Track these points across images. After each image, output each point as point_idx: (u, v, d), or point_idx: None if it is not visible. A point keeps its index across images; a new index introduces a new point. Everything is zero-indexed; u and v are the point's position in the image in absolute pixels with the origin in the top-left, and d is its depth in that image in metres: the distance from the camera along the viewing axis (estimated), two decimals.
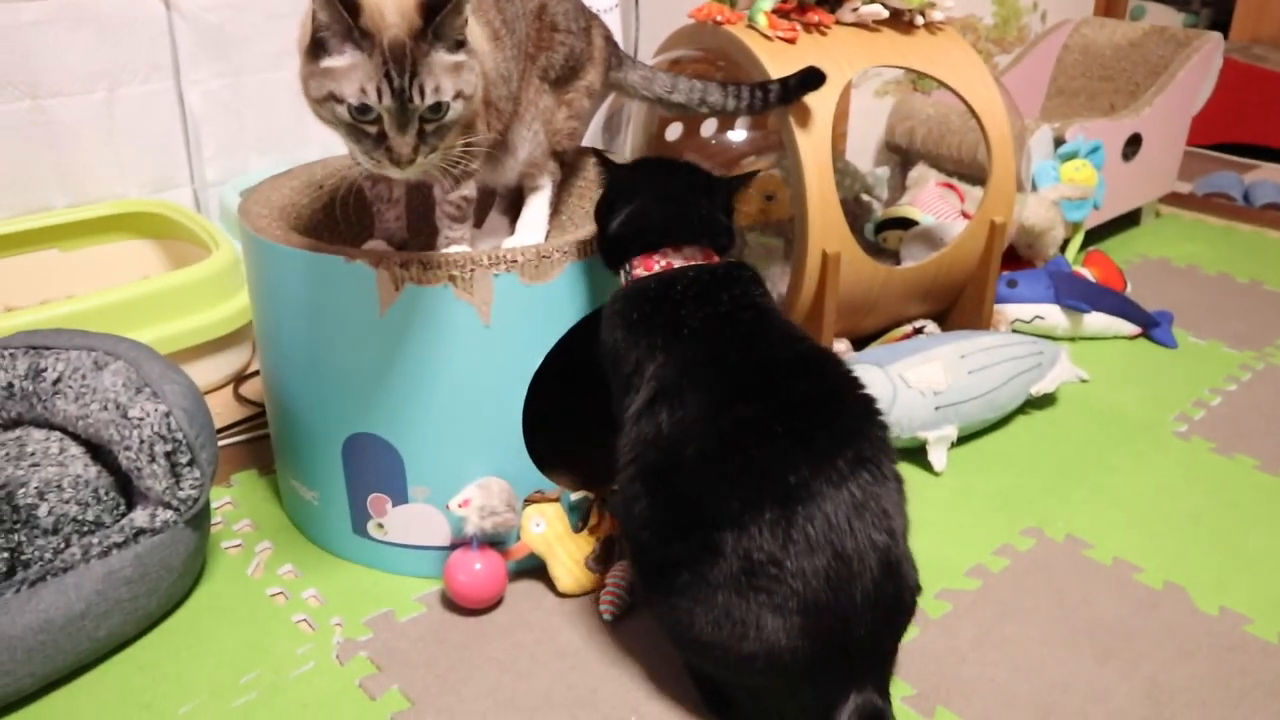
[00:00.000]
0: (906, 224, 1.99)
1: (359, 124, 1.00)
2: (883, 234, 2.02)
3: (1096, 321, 1.91)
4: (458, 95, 1.02)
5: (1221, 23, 3.66)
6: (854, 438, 0.99)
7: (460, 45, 1.02)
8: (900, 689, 1.11)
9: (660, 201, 1.17)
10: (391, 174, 1.05)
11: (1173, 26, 2.59)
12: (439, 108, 1.01)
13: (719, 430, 1.00)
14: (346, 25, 0.96)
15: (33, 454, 1.21)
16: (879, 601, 0.95)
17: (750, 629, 0.95)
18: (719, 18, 1.60)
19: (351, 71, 0.98)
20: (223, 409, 1.62)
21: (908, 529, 1.01)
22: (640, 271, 1.14)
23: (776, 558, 0.93)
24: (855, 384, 1.06)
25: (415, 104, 0.99)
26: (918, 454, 1.51)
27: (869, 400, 1.05)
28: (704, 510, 0.98)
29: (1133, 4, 3.28)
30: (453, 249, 1.21)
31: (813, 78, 1.48)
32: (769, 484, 0.95)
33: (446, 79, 1.00)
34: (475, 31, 1.10)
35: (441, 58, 1.00)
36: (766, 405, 1.01)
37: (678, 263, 1.14)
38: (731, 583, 0.95)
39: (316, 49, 1.00)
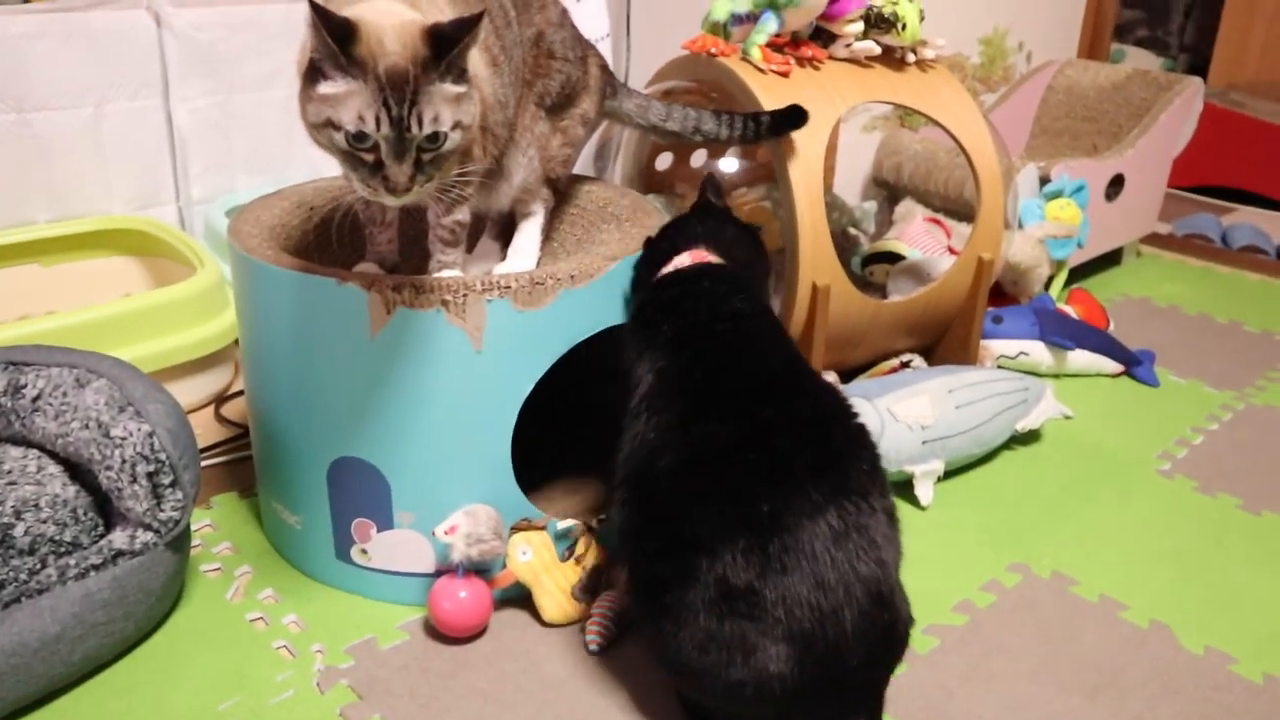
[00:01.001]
0: (893, 258, 2.00)
1: (355, 151, 0.99)
2: (869, 268, 2.03)
3: (1080, 359, 1.92)
4: (456, 125, 1.01)
5: (1199, 67, 3.73)
6: (835, 466, 0.97)
7: (463, 75, 1.01)
8: None
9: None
10: (386, 201, 1.04)
11: (1154, 70, 2.62)
12: (437, 137, 1.00)
13: (691, 444, 0.99)
14: (334, 54, 0.95)
15: (9, 472, 1.19)
16: (870, 632, 0.93)
17: (736, 655, 0.93)
18: (713, 50, 1.61)
19: (349, 99, 0.97)
20: (204, 430, 1.60)
21: (900, 560, 1.00)
22: (667, 270, 1.15)
23: (754, 586, 0.92)
24: (844, 410, 1.05)
25: (413, 133, 0.98)
26: (904, 488, 1.51)
27: (859, 428, 1.03)
28: (679, 530, 0.96)
29: (1112, 48, 3.33)
30: (445, 273, 1.20)
31: (795, 116, 1.48)
32: (739, 511, 0.94)
33: (446, 109, 0.99)
34: (475, 58, 1.10)
35: (445, 89, 0.99)
36: (740, 426, 0.99)
37: (687, 262, 1.14)
38: (712, 608, 0.94)
39: (314, 74, 0.99)
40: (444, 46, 0.97)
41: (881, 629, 0.95)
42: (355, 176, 1.02)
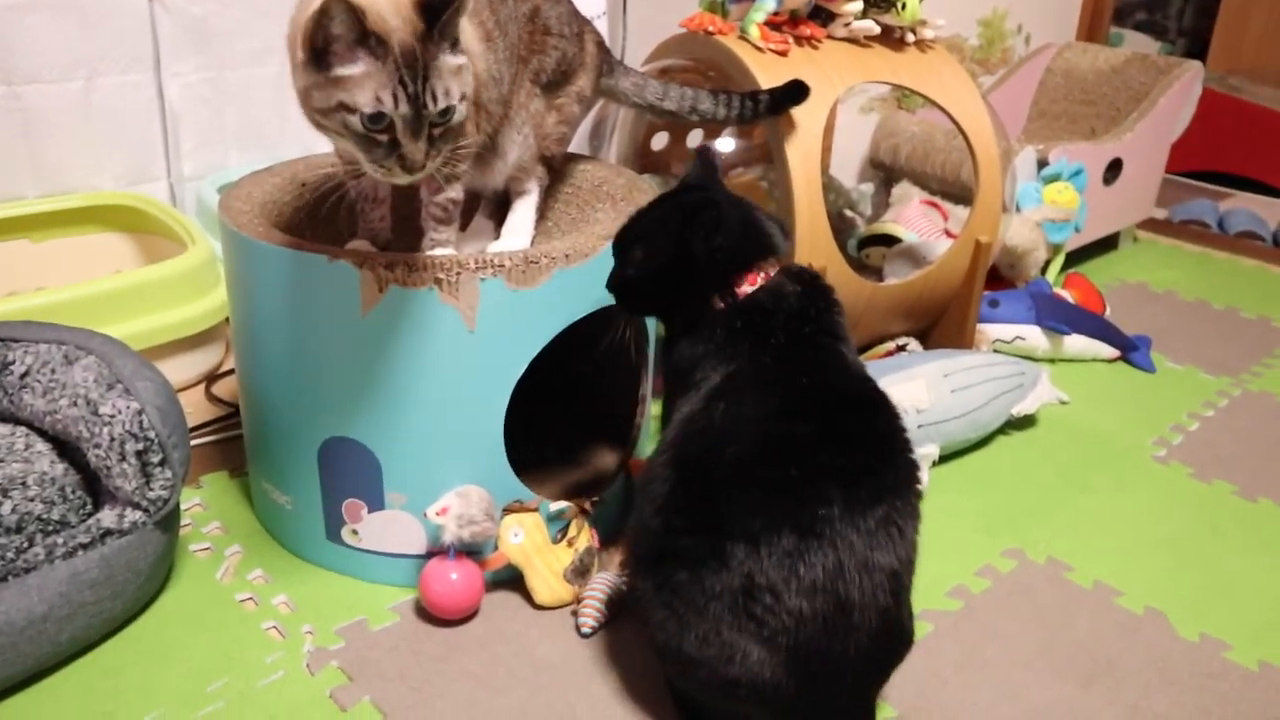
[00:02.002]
0: (890, 241, 1.99)
1: (371, 133, 0.97)
2: (866, 250, 2.01)
3: (1076, 344, 1.91)
4: (462, 97, 1.00)
5: (1197, 52, 3.71)
6: (891, 495, 0.96)
7: (457, 44, 1.00)
8: (882, 711, 1.10)
9: (749, 215, 1.13)
10: (400, 181, 1.03)
11: (1153, 54, 2.61)
12: (448, 112, 0.99)
13: (767, 437, 0.97)
14: (362, 33, 0.94)
15: None
16: (873, 654, 0.94)
17: (737, 654, 0.93)
18: (711, 28, 1.59)
19: (365, 80, 0.95)
20: (194, 408, 1.58)
21: (911, 586, 0.99)
22: (746, 289, 1.09)
23: (777, 589, 0.91)
24: (907, 443, 1.03)
25: (429, 109, 0.97)
26: None
27: (914, 464, 1.02)
28: (724, 515, 0.95)
29: (1110, 31, 3.31)
30: (437, 251, 1.19)
31: (796, 91, 1.47)
32: (796, 509, 0.93)
33: (453, 82, 0.99)
34: (467, 30, 1.08)
35: (448, 60, 0.98)
36: (821, 432, 0.98)
37: (773, 272, 1.10)
38: (729, 598, 0.93)
39: (320, 60, 0.96)
40: (435, 15, 0.95)
41: (883, 650, 0.96)
42: (367, 158, 1.00)
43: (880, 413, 1.03)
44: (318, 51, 0.96)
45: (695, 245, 1.07)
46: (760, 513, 0.93)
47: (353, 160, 1.19)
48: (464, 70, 1.00)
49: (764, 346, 1.05)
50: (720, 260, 1.08)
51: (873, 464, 0.97)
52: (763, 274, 1.10)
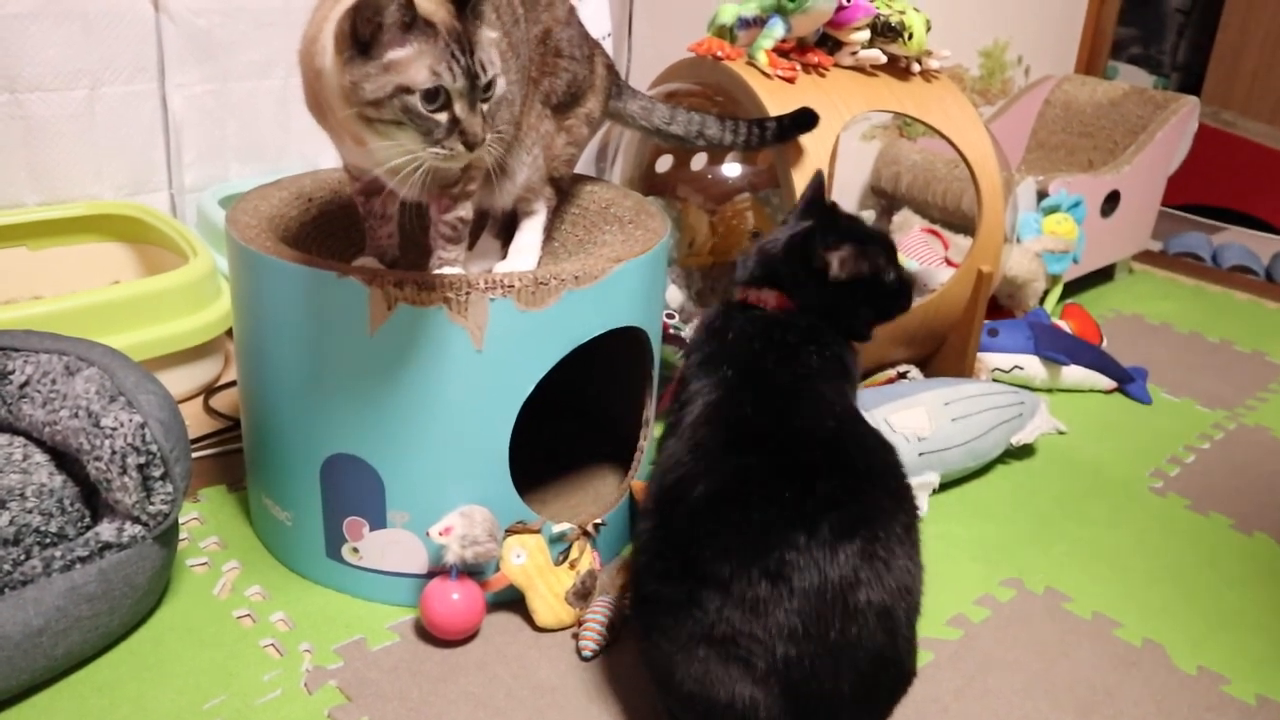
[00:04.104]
0: None
1: (429, 115, 0.98)
2: None
3: (1074, 374, 1.92)
4: (502, 71, 1.03)
5: (1191, 87, 3.74)
6: (867, 525, 0.93)
7: (485, 19, 1.03)
8: None
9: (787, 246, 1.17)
10: (457, 164, 1.05)
11: (1150, 89, 2.64)
12: (492, 84, 1.01)
13: (728, 477, 0.97)
14: (413, 14, 0.96)
15: None
16: (871, 693, 0.94)
17: (729, 694, 0.92)
18: (719, 53, 1.60)
19: (419, 58, 0.97)
20: (192, 421, 1.56)
21: (915, 618, 0.98)
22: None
23: (758, 635, 0.90)
24: (893, 471, 1.02)
25: (480, 79, 0.99)
26: None
27: (905, 492, 1.01)
28: (696, 559, 0.94)
29: (1106, 64, 3.35)
30: (446, 270, 1.18)
31: (806, 118, 1.48)
32: (762, 553, 0.91)
33: (493, 52, 1.02)
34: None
35: (486, 34, 1.01)
36: (784, 470, 0.97)
37: (771, 302, 1.14)
38: (713, 643, 0.92)
39: (367, 49, 0.97)
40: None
41: (882, 689, 0.96)
42: (425, 143, 1.00)
43: (850, 444, 1.02)
44: (364, 44, 0.97)
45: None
46: (727, 558, 0.92)
47: (361, 175, 1.20)
48: (496, 44, 1.04)
49: (722, 377, 1.06)
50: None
51: (841, 498, 0.94)
52: (764, 300, 1.13)
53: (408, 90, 0.97)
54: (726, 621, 0.91)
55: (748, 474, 0.97)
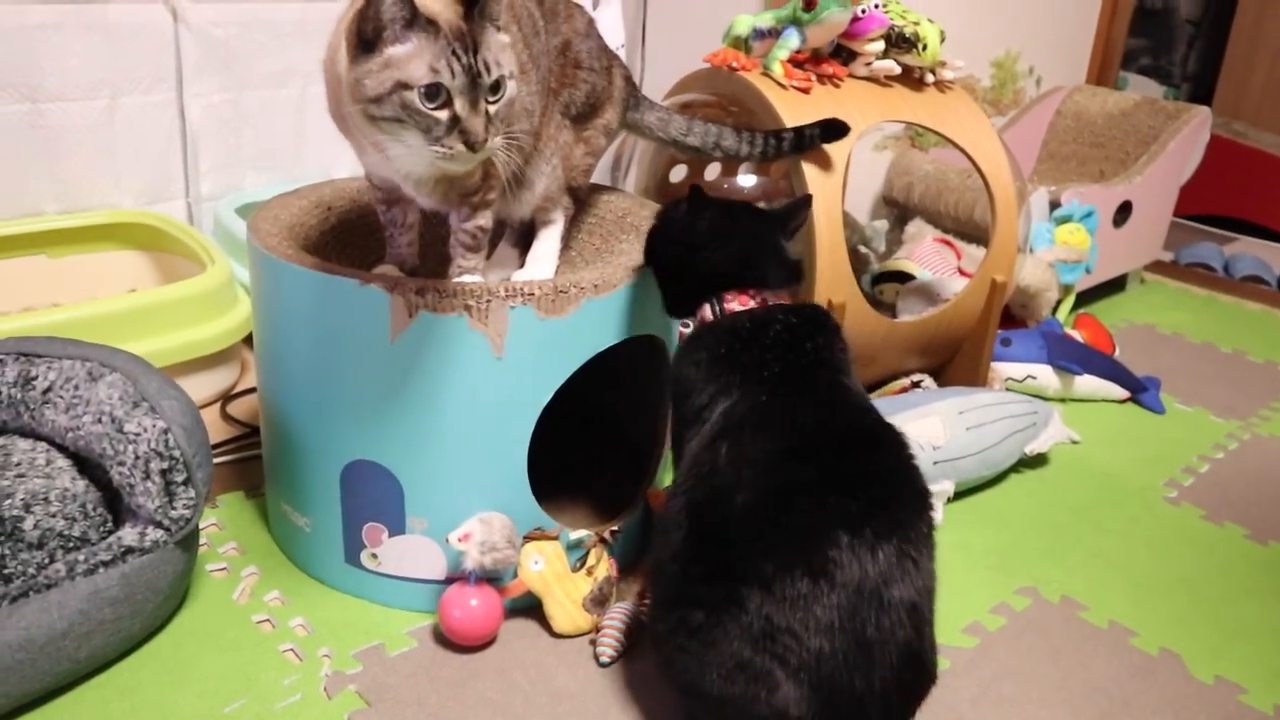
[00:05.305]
0: (903, 278, 2.00)
1: (429, 112, 0.99)
2: (879, 286, 2.03)
3: (1087, 384, 1.92)
4: (511, 74, 1.03)
5: (1201, 97, 3.75)
6: (902, 527, 0.96)
7: (497, 22, 1.03)
8: None
9: (759, 240, 1.17)
10: (458, 166, 1.04)
11: (1162, 99, 2.64)
12: (499, 85, 1.01)
13: (773, 485, 0.98)
14: (413, 12, 0.97)
15: (18, 464, 1.18)
16: (898, 689, 0.94)
17: (762, 690, 0.93)
18: (734, 64, 1.61)
19: (418, 54, 0.98)
20: (209, 428, 1.57)
21: (934, 619, 1.00)
22: (734, 305, 1.13)
23: (795, 631, 0.92)
24: (916, 472, 1.04)
25: (484, 79, 0.99)
26: None
27: (925, 492, 1.02)
28: (737, 561, 0.96)
29: (1117, 75, 3.36)
30: (465, 278, 1.19)
31: (835, 128, 1.48)
32: (807, 552, 0.93)
33: (503, 55, 1.02)
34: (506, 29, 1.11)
35: (494, 35, 1.02)
36: (826, 472, 0.98)
37: (770, 300, 1.13)
38: (748, 639, 0.93)
39: (370, 46, 0.98)
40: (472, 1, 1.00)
41: (907, 685, 0.96)
42: (426, 141, 1.00)
43: (883, 446, 1.04)
44: (367, 41, 0.98)
45: (697, 239, 1.15)
46: (772, 557, 0.94)
47: (383, 184, 1.21)
48: (508, 48, 1.04)
49: (758, 381, 1.06)
50: (709, 264, 1.14)
51: (880, 499, 0.97)
52: (756, 299, 1.12)
53: (406, 86, 0.98)
54: (766, 619, 0.93)
55: (794, 477, 0.98)
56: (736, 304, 1.13)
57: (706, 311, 1.14)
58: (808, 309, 1.14)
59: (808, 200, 1.25)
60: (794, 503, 0.96)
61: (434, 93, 0.98)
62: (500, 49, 1.02)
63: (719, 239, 1.16)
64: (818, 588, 0.91)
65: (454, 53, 0.98)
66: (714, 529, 0.99)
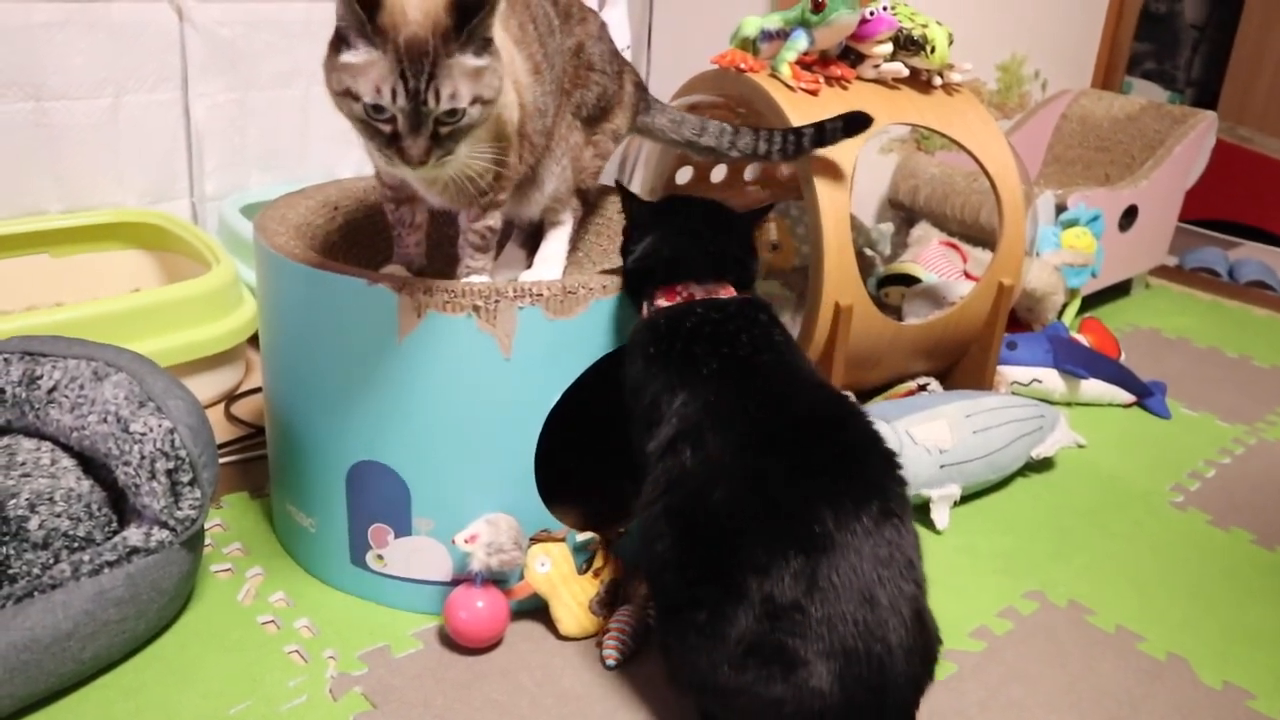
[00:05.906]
0: (909, 281, 2.00)
1: (373, 122, 0.99)
2: (885, 289, 2.02)
3: (1093, 388, 1.91)
4: (475, 100, 0.99)
5: (1205, 102, 3.74)
6: (878, 491, 0.99)
7: (486, 47, 0.99)
8: None
9: (680, 235, 1.18)
10: (404, 173, 1.05)
11: (1167, 104, 2.64)
12: (454, 113, 0.99)
13: (745, 476, 0.99)
14: (361, 21, 0.95)
15: (23, 464, 1.18)
16: (914, 649, 0.95)
17: (777, 671, 0.93)
18: (742, 65, 1.61)
19: (368, 69, 0.96)
20: (214, 428, 1.57)
21: (926, 581, 1.01)
22: (661, 303, 1.14)
23: (800, 604, 0.92)
24: (877, 437, 1.06)
25: (430, 107, 0.97)
26: (920, 511, 1.50)
27: (890, 454, 1.05)
28: (728, 554, 0.96)
29: (1122, 79, 3.36)
30: (473, 279, 1.19)
31: (858, 121, 1.45)
32: (794, 532, 0.95)
33: (465, 84, 0.98)
34: (517, 61, 1.09)
35: (465, 61, 0.98)
36: (793, 454, 1.00)
37: (698, 295, 1.14)
38: (755, 624, 0.94)
39: (338, 42, 0.98)
40: (466, 16, 0.96)
41: (921, 648, 0.96)
42: (373, 145, 1.02)
43: (842, 418, 1.06)
44: (336, 34, 0.98)
45: (629, 238, 1.19)
46: (761, 543, 0.95)
47: (392, 182, 1.21)
48: (486, 73, 1.00)
49: (701, 379, 1.07)
50: (638, 262, 1.17)
51: (850, 469, 1.00)
52: (683, 294, 1.13)
53: (354, 96, 0.98)
54: (769, 600, 0.93)
55: (763, 465, 1.00)
56: (663, 300, 1.14)
57: (644, 310, 1.16)
58: (734, 301, 1.15)
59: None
60: (769, 489, 0.98)
61: (378, 110, 0.98)
62: (467, 76, 0.98)
63: (645, 237, 1.18)
64: (812, 561, 0.93)
65: (402, 75, 0.95)
66: (697, 530, 1.00)
